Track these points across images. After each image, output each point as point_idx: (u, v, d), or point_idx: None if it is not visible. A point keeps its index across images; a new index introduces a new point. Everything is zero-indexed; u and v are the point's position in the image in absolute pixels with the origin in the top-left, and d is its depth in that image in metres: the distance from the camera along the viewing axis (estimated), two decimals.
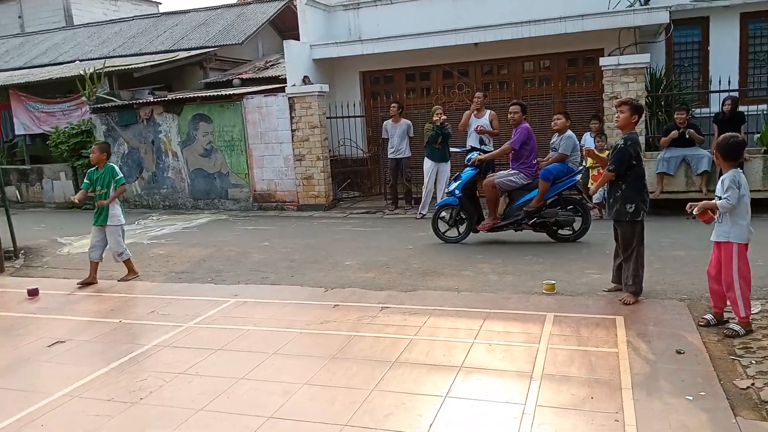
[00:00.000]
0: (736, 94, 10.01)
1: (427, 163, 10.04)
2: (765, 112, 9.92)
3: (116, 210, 7.22)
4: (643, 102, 9.90)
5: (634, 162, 5.42)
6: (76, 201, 7.44)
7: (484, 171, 8.45)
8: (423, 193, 10.27)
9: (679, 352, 4.31)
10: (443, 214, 8.48)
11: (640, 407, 3.57)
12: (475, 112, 10.10)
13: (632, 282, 5.46)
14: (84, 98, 13.39)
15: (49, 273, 7.93)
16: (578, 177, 8.07)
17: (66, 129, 13.44)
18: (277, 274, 7.23)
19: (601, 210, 9.56)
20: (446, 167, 10.02)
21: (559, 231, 8.06)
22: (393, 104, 11.10)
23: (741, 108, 10.02)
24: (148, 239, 9.85)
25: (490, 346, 4.64)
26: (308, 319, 5.51)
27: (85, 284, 7.17)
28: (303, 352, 4.77)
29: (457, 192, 8.23)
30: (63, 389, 4.29)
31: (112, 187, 7.17)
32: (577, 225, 8.02)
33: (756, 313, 4.93)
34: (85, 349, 5.14)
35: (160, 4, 26.15)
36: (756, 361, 4.11)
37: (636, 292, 5.45)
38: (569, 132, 7.95)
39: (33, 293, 6.81)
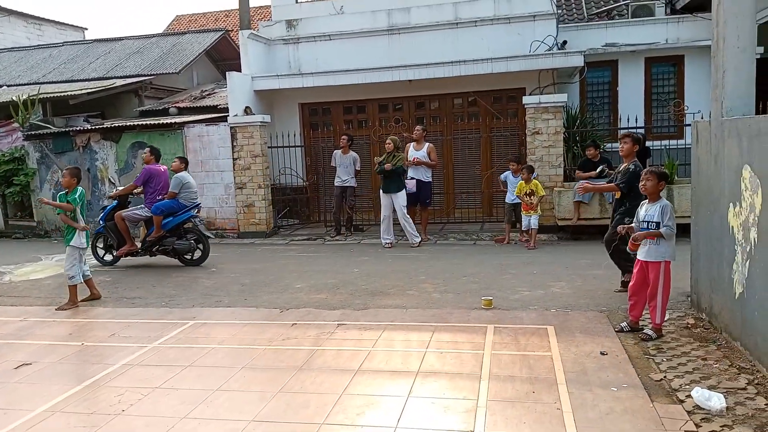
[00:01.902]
0: (642, 130, 11.19)
1: (381, 194, 10.39)
2: (668, 147, 11.11)
3: (79, 233, 7.31)
4: (561, 137, 10.95)
5: (636, 184, 6.28)
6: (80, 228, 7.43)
7: (124, 204, 9.95)
8: (381, 222, 10.54)
9: (603, 354, 5.00)
10: (99, 240, 10.03)
11: (575, 398, 4.20)
12: (415, 144, 10.77)
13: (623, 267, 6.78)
14: (16, 124, 13.18)
15: None
16: (193, 211, 9.58)
17: None
18: (231, 297, 7.54)
19: (525, 236, 10.33)
20: (400, 196, 10.23)
21: (185, 256, 9.57)
22: (343, 136, 11.66)
23: (647, 143, 11.22)
24: (90, 267, 9.81)
25: (442, 353, 5.19)
26: (269, 337, 5.88)
27: (87, 300, 7.55)
28: (271, 366, 5.15)
29: (101, 222, 9.81)
30: (42, 406, 4.49)
31: (78, 211, 7.29)
32: (198, 253, 9.61)
33: (666, 320, 5.73)
34: (53, 370, 5.29)
35: (86, 29, 25.73)
36: (666, 359, 4.85)
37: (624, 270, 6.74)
38: (183, 173, 9.56)
39: None
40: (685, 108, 11.79)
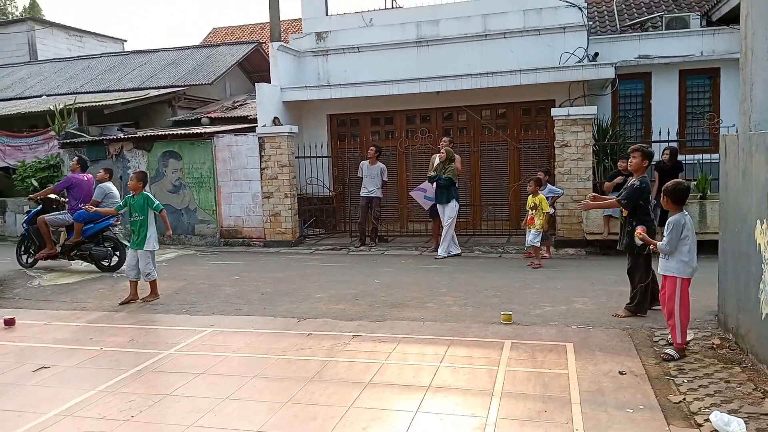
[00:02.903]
0: (675, 144, 10.93)
1: (438, 205, 10.41)
2: (701, 161, 10.81)
3: (152, 236, 7.72)
4: (590, 150, 10.76)
5: (642, 202, 6.19)
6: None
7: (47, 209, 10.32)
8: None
9: (621, 373, 4.85)
10: (22, 243, 10.47)
11: (588, 419, 4.07)
12: (440, 155, 10.71)
13: (631, 301, 6.42)
14: (53, 133, 13.56)
15: (22, 304, 8.04)
16: (113, 220, 9.94)
17: (33, 163, 13.53)
18: (250, 305, 7.56)
19: (543, 251, 10.11)
20: (449, 207, 10.22)
21: (102, 262, 10.03)
22: (371, 147, 11.71)
23: (680, 157, 10.96)
24: (118, 273, 9.98)
25: (455, 368, 5.10)
26: (284, 347, 5.87)
27: (127, 302, 7.79)
28: (282, 376, 5.13)
29: (24, 225, 10.29)
30: (55, 409, 4.54)
31: (150, 215, 7.72)
32: (114, 260, 10.05)
33: (689, 341, 5.54)
34: (70, 373, 5.37)
35: (126, 41, 26.43)
36: (687, 380, 4.68)
37: (633, 310, 6.37)
38: (106, 184, 9.93)
39: (9, 323, 6.95)
40: (720, 121, 11.47)
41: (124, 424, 4.25)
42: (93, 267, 10.17)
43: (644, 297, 6.36)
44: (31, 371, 5.42)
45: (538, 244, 9.52)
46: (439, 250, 10.39)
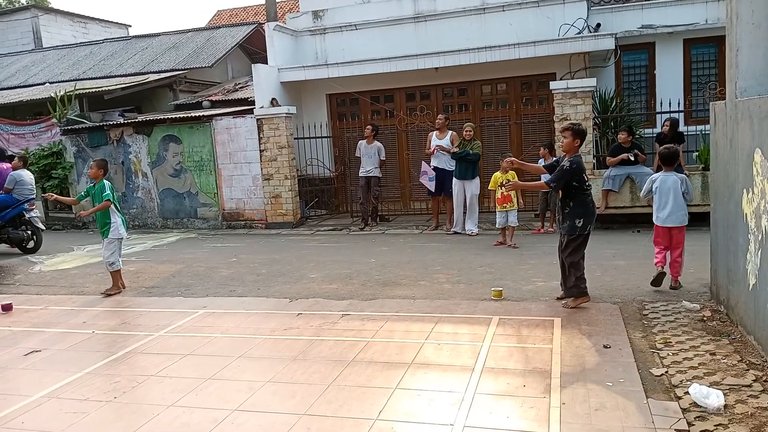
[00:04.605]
0: (676, 115, 10.73)
1: (455, 181, 10.25)
2: (703, 132, 10.61)
3: (116, 224, 7.52)
4: (591, 123, 10.59)
5: (576, 183, 5.80)
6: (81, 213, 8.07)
7: None
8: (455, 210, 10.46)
9: (606, 347, 4.80)
10: None
11: (566, 392, 4.04)
12: (437, 132, 10.63)
13: (574, 286, 5.93)
14: (54, 120, 13.61)
15: (21, 290, 8.13)
16: (26, 205, 10.51)
17: (36, 150, 13.62)
18: (245, 287, 7.59)
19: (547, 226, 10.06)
20: (471, 184, 10.12)
21: (22, 245, 10.58)
22: (368, 126, 11.61)
23: (686, 128, 10.77)
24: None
25: (439, 345, 5.08)
26: (272, 327, 5.89)
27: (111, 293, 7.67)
28: (267, 355, 5.14)
29: None
30: (41, 392, 4.60)
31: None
32: (32, 243, 10.69)
33: (680, 313, 5.49)
34: (60, 357, 5.42)
35: (130, 26, 26.36)
36: (672, 353, 4.62)
37: (577, 295, 5.91)
38: (18, 171, 10.40)
39: (6, 308, 7.04)
40: (723, 90, 11.21)
41: (106, 405, 4.30)
42: (92, 252, 10.29)
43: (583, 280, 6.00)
44: (23, 355, 5.49)
45: (517, 224, 9.35)
46: (472, 228, 10.21)
